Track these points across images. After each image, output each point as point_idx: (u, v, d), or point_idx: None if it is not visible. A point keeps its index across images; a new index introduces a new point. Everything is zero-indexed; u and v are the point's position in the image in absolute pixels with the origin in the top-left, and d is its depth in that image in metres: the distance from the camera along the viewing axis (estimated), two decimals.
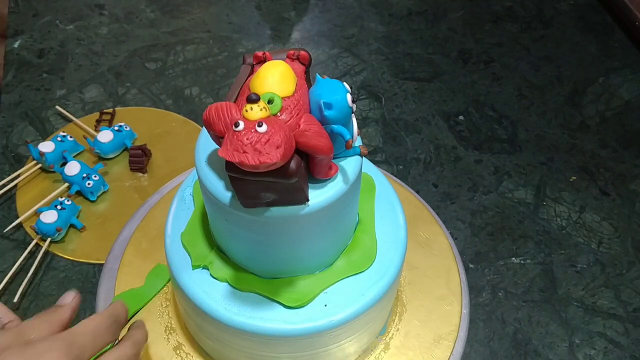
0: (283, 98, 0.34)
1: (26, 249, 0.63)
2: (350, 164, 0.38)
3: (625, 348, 0.60)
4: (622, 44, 0.98)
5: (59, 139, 0.71)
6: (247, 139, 0.30)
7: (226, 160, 0.31)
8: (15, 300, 0.59)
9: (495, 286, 0.64)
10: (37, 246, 0.64)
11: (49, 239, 0.63)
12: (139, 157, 0.71)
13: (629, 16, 0.98)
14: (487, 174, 0.76)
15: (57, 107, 0.80)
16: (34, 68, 0.87)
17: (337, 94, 0.34)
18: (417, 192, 0.59)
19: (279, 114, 0.33)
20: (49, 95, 0.83)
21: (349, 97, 0.35)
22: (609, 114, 0.86)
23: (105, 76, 0.87)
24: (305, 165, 0.35)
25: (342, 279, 0.42)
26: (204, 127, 0.36)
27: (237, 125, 0.31)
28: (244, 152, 0.30)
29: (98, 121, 0.77)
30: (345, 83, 0.35)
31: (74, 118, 0.77)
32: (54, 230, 0.63)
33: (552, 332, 0.61)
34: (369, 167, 0.50)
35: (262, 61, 0.38)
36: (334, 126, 0.34)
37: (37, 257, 0.62)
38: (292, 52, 0.38)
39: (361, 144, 0.39)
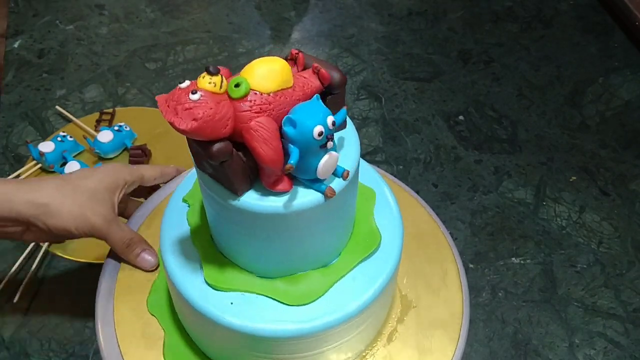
0: (258, 93, 0.33)
1: (26, 249, 0.63)
2: (305, 196, 0.36)
3: (625, 348, 0.60)
4: (622, 44, 0.98)
5: (59, 139, 0.70)
6: (177, 97, 0.32)
7: None
8: (16, 300, 0.59)
9: (495, 286, 0.64)
10: (37, 246, 0.64)
11: None
12: (139, 157, 0.71)
13: (629, 16, 0.98)
14: (487, 174, 0.76)
15: (57, 107, 0.80)
16: (34, 68, 0.87)
17: (308, 119, 0.32)
18: (417, 192, 0.59)
19: (241, 103, 0.33)
20: (49, 95, 0.83)
21: (317, 130, 0.32)
22: (609, 114, 0.86)
23: (105, 76, 0.87)
24: (254, 165, 0.35)
25: (283, 293, 0.41)
26: None
27: (182, 82, 0.32)
28: (168, 106, 0.32)
29: (98, 121, 0.77)
30: (332, 118, 0.33)
31: (74, 118, 0.77)
32: None
33: (552, 332, 0.61)
34: (390, 218, 0.44)
35: (292, 59, 0.37)
36: (290, 145, 0.33)
37: (37, 257, 0.62)
38: (315, 65, 0.36)
39: (331, 185, 0.36)
